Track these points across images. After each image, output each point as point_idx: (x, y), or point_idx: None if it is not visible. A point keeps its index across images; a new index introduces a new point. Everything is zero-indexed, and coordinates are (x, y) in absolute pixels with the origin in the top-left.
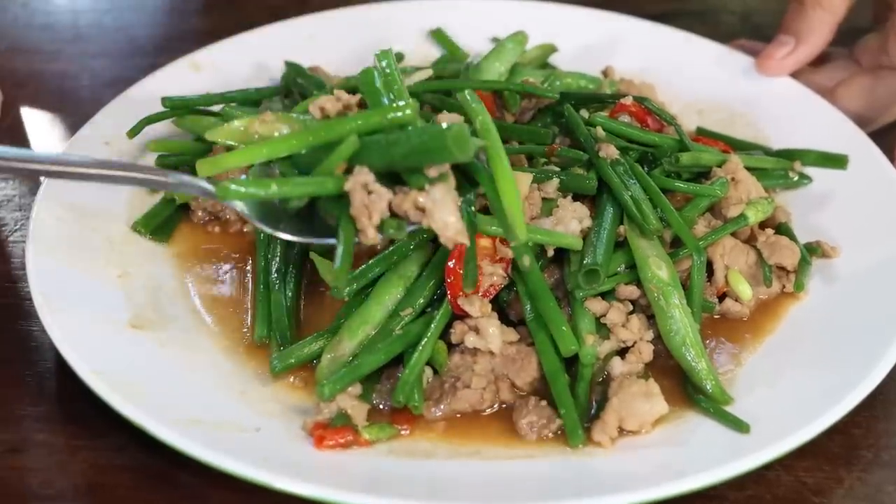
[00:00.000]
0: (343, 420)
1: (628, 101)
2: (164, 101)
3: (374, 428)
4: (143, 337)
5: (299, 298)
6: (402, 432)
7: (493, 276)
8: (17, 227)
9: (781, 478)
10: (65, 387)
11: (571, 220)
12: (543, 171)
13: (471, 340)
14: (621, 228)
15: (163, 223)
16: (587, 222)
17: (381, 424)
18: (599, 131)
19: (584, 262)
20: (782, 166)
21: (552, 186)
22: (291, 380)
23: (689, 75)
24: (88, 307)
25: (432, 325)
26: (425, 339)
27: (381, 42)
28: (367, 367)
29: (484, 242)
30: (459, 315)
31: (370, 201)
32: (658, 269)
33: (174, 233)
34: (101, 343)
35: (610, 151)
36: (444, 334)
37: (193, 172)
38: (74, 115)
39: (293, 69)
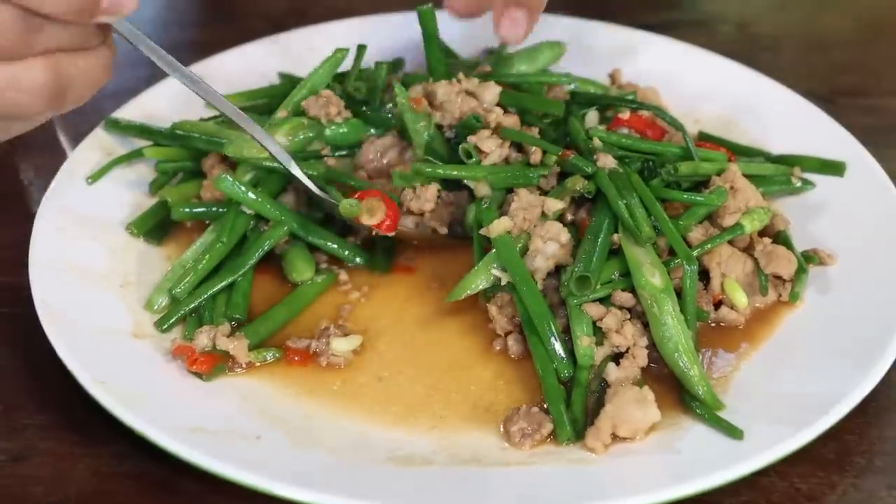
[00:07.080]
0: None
1: (625, 115)
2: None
3: (259, 352)
4: (145, 346)
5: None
6: None
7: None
8: (19, 236)
9: (775, 484)
10: (67, 395)
11: (548, 244)
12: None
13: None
14: (615, 236)
15: (157, 225)
16: (565, 236)
17: (267, 349)
18: (597, 141)
19: (576, 269)
20: (783, 172)
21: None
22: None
23: (685, 85)
24: (90, 316)
25: None
26: None
27: (380, 53)
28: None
29: None
30: None
31: None
32: (651, 276)
33: (168, 236)
34: (103, 352)
35: (607, 161)
36: None
37: (192, 178)
38: (76, 126)
39: (288, 81)
